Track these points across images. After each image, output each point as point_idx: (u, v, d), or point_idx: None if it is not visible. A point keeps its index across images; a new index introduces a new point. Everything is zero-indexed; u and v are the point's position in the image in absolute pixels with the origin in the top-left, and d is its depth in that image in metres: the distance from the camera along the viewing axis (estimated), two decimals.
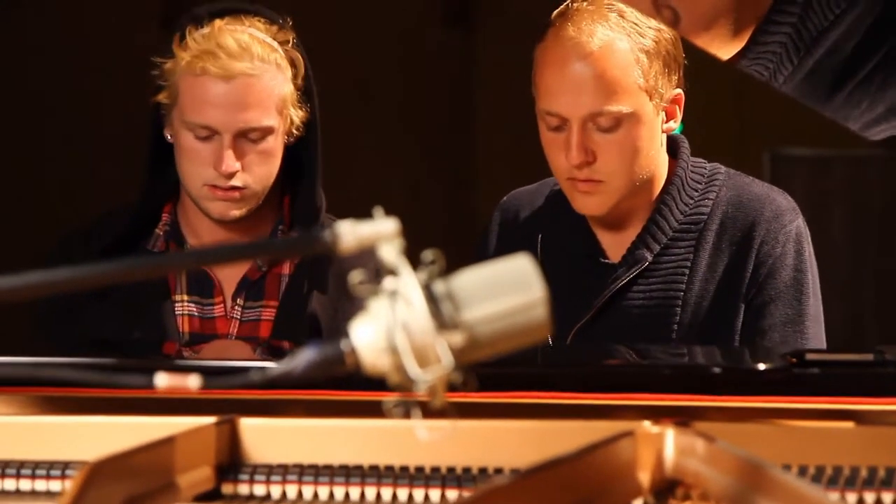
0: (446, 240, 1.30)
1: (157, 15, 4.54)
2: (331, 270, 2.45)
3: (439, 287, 1.23)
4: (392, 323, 1.22)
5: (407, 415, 1.26)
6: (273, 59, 2.37)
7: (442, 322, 1.22)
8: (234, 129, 2.35)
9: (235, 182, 2.37)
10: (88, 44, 4.62)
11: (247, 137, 2.37)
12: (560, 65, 2.28)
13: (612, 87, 2.26)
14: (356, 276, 1.23)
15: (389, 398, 1.26)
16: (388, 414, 1.25)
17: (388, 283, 1.23)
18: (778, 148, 5.22)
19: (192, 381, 1.24)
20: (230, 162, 2.35)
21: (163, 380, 1.23)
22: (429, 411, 1.26)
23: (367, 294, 1.23)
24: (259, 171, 2.38)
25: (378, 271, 2.52)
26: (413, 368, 1.21)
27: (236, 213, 2.39)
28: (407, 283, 1.22)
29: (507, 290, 1.23)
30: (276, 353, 2.22)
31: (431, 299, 1.22)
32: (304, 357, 1.24)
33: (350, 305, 2.46)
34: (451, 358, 1.21)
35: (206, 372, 1.30)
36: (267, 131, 2.37)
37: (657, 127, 2.32)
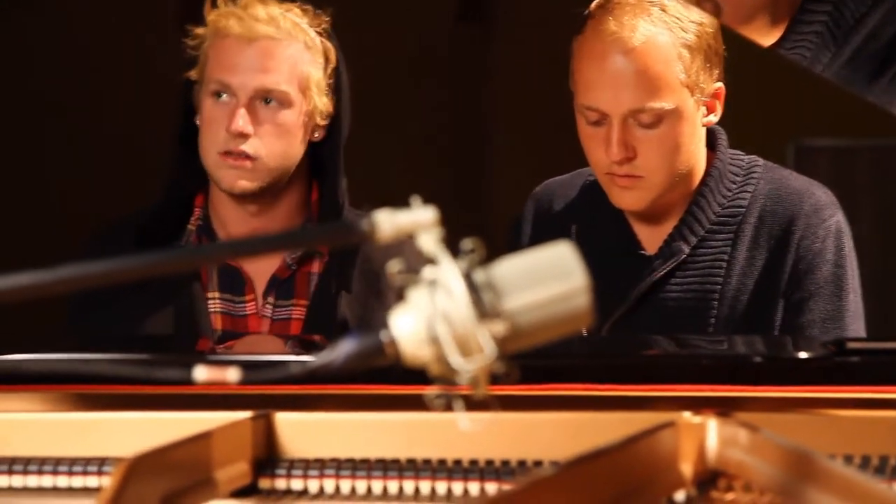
0: (464, 234, 1.28)
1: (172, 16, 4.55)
2: (359, 268, 2.44)
3: (480, 276, 1.21)
4: (433, 313, 1.20)
5: (448, 406, 1.24)
6: (301, 37, 2.37)
7: (483, 311, 1.20)
8: (250, 88, 2.34)
9: (246, 148, 2.35)
10: (91, 44, 4.62)
11: (263, 103, 2.35)
12: (600, 59, 2.25)
13: (655, 83, 2.23)
14: (395, 266, 1.22)
15: (427, 390, 1.25)
16: (429, 406, 1.23)
17: (427, 272, 1.21)
18: (802, 139, 5.18)
19: (231, 374, 1.23)
20: (241, 121, 2.33)
21: (202, 373, 1.22)
22: (469, 403, 1.25)
23: (407, 284, 1.22)
24: (273, 144, 2.36)
25: (410, 265, 2.52)
26: (455, 358, 1.19)
27: (246, 184, 2.36)
28: (447, 272, 1.20)
29: (548, 279, 1.21)
30: (307, 348, 2.21)
31: (472, 288, 1.20)
32: (343, 348, 1.22)
33: (379, 303, 2.45)
34: (493, 347, 1.19)
35: (242, 367, 1.29)
36: (284, 99, 2.36)
37: (698, 121, 2.29)
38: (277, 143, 2.36)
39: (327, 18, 2.41)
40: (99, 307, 2.41)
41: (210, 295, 2.43)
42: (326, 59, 2.39)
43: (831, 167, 5.29)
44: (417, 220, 1.22)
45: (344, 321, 2.41)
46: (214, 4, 2.38)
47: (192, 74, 2.42)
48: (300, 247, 2.03)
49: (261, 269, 2.45)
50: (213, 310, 2.43)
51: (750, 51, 2.48)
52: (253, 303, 2.44)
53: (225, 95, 2.36)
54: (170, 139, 2.51)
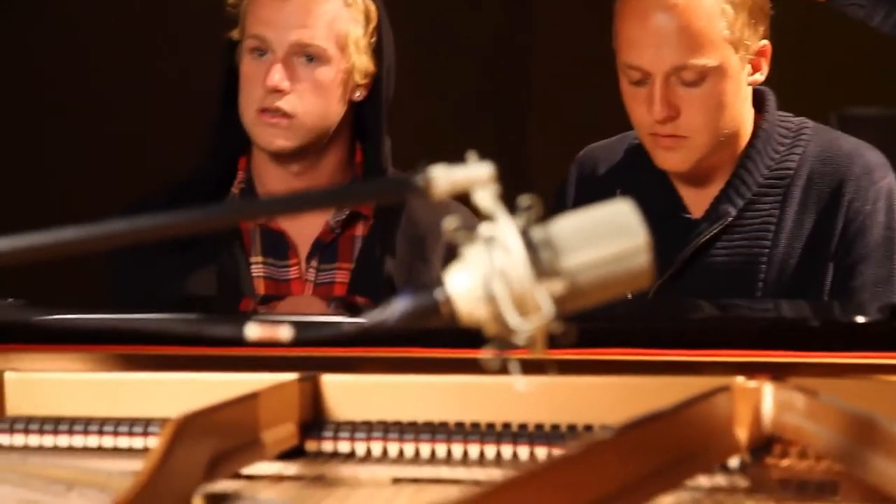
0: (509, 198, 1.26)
1: None
2: (404, 232, 2.41)
3: (537, 233, 1.19)
4: (490, 270, 1.17)
5: (503, 367, 1.22)
6: None
7: (541, 269, 1.17)
8: (287, 43, 2.32)
9: (283, 105, 2.33)
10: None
11: (301, 58, 2.33)
12: (642, 17, 2.22)
13: (697, 40, 2.20)
14: (451, 223, 1.19)
15: (478, 353, 1.22)
16: (484, 367, 1.21)
17: (484, 229, 1.19)
18: (845, 108, 5.12)
19: (284, 332, 1.20)
20: (277, 76, 2.31)
21: (254, 330, 1.20)
22: (524, 365, 1.22)
23: (463, 240, 1.19)
24: (310, 100, 2.34)
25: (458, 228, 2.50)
26: (513, 317, 1.16)
27: (283, 142, 2.34)
28: (504, 229, 1.18)
29: (608, 236, 1.19)
30: (350, 310, 2.19)
31: (530, 246, 1.18)
32: (397, 307, 1.20)
33: (425, 267, 2.43)
34: (551, 306, 1.17)
35: (294, 326, 1.26)
36: (321, 55, 2.33)
37: (743, 80, 2.26)
38: (315, 101, 2.34)
39: None
40: (142, 269, 2.39)
41: (253, 259, 2.42)
42: (367, 18, 2.37)
43: (875, 136, 5.23)
44: (473, 175, 1.19)
45: (389, 285, 2.39)
46: None
47: (234, 34, 2.40)
48: (353, 203, 2.00)
49: (304, 233, 2.43)
50: (256, 274, 2.41)
51: (792, 16, 2.45)
52: (297, 267, 2.42)
53: (263, 52, 2.34)
54: (214, 101, 2.48)
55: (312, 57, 2.33)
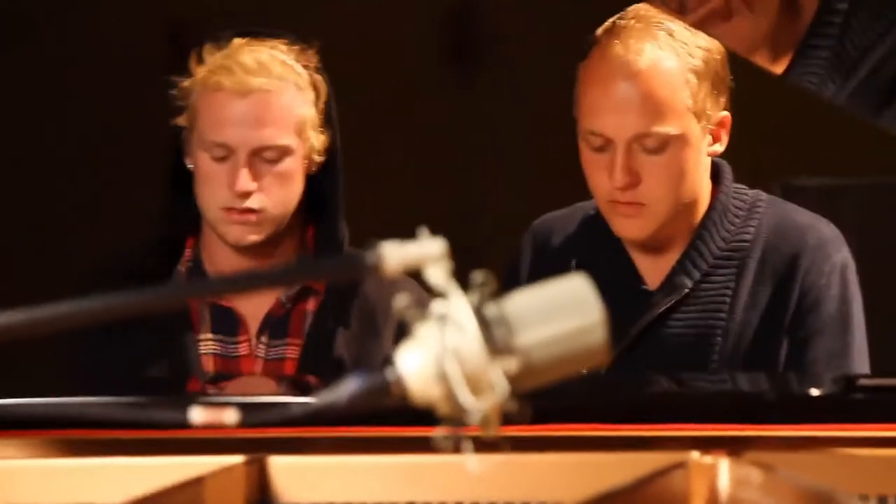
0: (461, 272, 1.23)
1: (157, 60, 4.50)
2: (357, 307, 2.38)
3: (491, 310, 1.16)
4: (442, 349, 1.14)
5: (457, 447, 1.19)
6: (292, 79, 2.31)
7: (495, 347, 1.15)
8: (250, 146, 2.29)
9: (251, 204, 2.30)
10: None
11: (263, 157, 2.30)
12: (606, 83, 2.21)
13: (661, 108, 2.19)
14: (402, 300, 1.16)
15: (429, 432, 1.19)
16: (436, 447, 1.18)
17: (436, 306, 1.16)
18: (789, 178, 5.16)
19: (229, 416, 1.17)
20: (244, 181, 2.28)
21: (198, 415, 1.16)
22: (477, 444, 1.19)
23: (414, 319, 1.16)
24: (277, 193, 2.31)
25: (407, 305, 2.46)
26: (465, 397, 1.14)
27: (254, 237, 2.31)
28: (457, 307, 1.15)
29: (563, 313, 1.16)
30: (301, 389, 2.15)
31: (483, 323, 1.15)
32: (348, 387, 1.17)
33: (377, 343, 2.39)
34: (505, 385, 1.14)
35: (240, 408, 1.23)
36: (284, 151, 2.31)
37: (703, 150, 2.25)
38: (281, 192, 2.32)
39: (315, 55, 2.35)
40: (88, 352, 2.34)
41: (202, 336, 2.37)
42: (317, 94, 2.34)
43: (818, 207, 5.27)
44: (425, 252, 1.16)
45: (340, 361, 2.35)
46: (200, 57, 2.31)
47: (181, 121, 2.35)
48: (303, 280, 1.97)
49: (254, 309, 2.39)
50: (204, 351, 2.37)
51: (738, 87, 2.46)
52: (246, 343, 2.38)
53: (222, 152, 2.30)
54: (158, 183, 2.44)
55: (275, 155, 2.30)
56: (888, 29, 1.87)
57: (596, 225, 2.34)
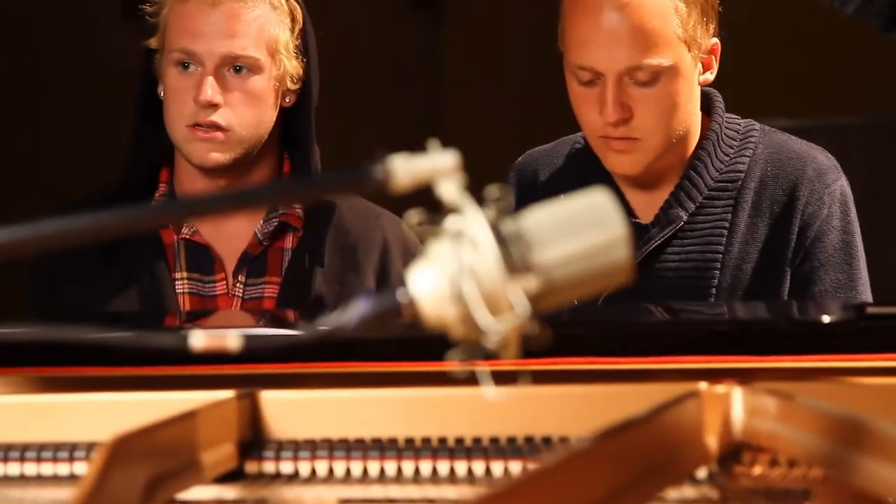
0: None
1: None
2: (334, 242, 2.31)
3: (508, 226, 1.09)
4: (457, 268, 1.08)
5: (464, 376, 1.12)
6: None
7: (513, 265, 1.08)
8: (217, 55, 2.21)
9: (217, 118, 2.21)
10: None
11: (232, 70, 2.22)
12: (594, 15, 2.12)
13: (651, 39, 2.11)
14: (413, 217, 1.09)
15: (448, 355, 1.12)
16: (452, 374, 1.11)
17: (450, 223, 1.09)
18: (760, 119, 5.12)
19: (232, 341, 1.10)
20: (209, 90, 2.20)
21: (199, 339, 1.09)
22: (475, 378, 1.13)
23: (427, 236, 1.09)
24: (244, 113, 2.23)
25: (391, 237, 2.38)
26: (484, 318, 1.07)
27: (218, 156, 2.23)
28: (472, 223, 1.08)
29: (583, 228, 1.10)
30: (280, 324, 2.08)
31: (500, 240, 1.08)
32: (356, 310, 1.10)
33: (356, 279, 2.33)
34: (525, 305, 1.07)
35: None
36: (253, 65, 2.23)
37: (695, 79, 2.18)
38: (249, 112, 2.23)
39: None
40: (62, 286, 2.27)
41: (178, 275, 2.30)
42: (293, 20, 2.26)
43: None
44: (437, 165, 1.09)
45: (319, 299, 2.28)
46: None
47: (152, 42, 2.28)
48: (306, 196, 1.88)
49: (230, 247, 2.32)
50: (180, 290, 2.30)
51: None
52: (223, 282, 2.31)
53: (190, 65, 2.22)
54: (131, 112, 2.36)
55: (244, 67, 2.22)
56: None
57: (583, 158, 2.28)
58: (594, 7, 2.12)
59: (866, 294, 2.19)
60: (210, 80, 2.20)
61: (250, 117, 2.23)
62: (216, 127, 2.21)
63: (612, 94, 2.12)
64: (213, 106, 2.21)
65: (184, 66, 2.23)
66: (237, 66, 2.22)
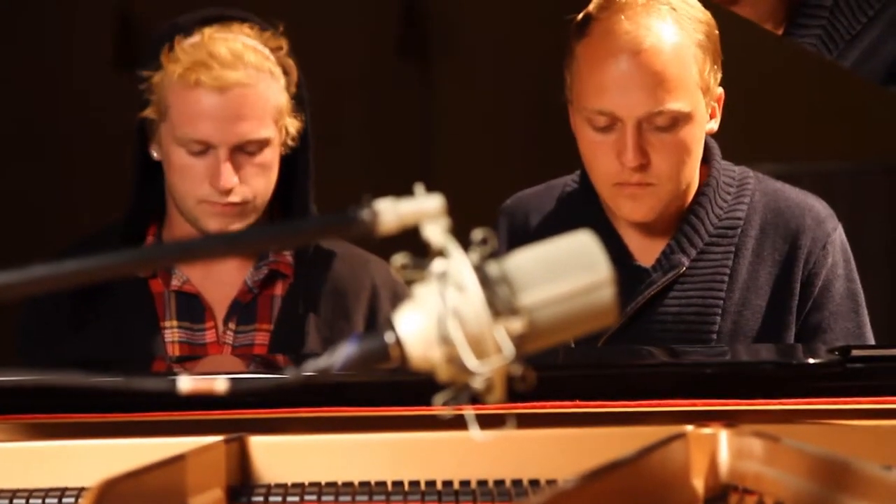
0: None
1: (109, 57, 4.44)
2: (327, 289, 2.32)
3: (493, 269, 1.11)
4: (443, 310, 1.09)
5: (450, 420, 1.13)
6: (267, 68, 2.24)
7: (498, 308, 1.09)
8: (231, 142, 2.22)
9: (234, 198, 2.23)
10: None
11: (244, 150, 2.24)
12: (613, 60, 2.10)
13: (672, 84, 2.10)
14: (399, 260, 1.11)
15: (435, 398, 1.13)
16: (438, 414, 1.12)
17: (436, 265, 1.10)
18: (749, 164, 5.15)
19: (220, 384, 1.11)
20: (228, 177, 2.21)
21: (187, 382, 1.10)
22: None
23: (413, 278, 1.11)
24: (258, 184, 2.25)
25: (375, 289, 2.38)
26: (469, 359, 1.08)
27: (238, 226, 2.25)
28: (458, 266, 1.09)
29: (568, 271, 1.11)
30: (270, 368, 2.09)
31: (486, 282, 1.10)
32: (343, 352, 1.11)
33: (347, 325, 2.33)
34: (510, 347, 1.08)
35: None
36: (264, 143, 2.24)
37: (705, 127, 2.18)
38: (261, 181, 2.25)
39: (283, 39, 2.28)
40: (52, 343, 2.27)
41: (167, 324, 2.30)
42: (288, 77, 2.28)
43: None
44: (423, 208, 1.11)
45: (310, 344, 2.28)
46: (172, 48, 2.24)
47: (149, 114, 2.27)
48: (294, 241, 1.88)
49: (220, 295, 2.32)
50: (169, 339, 2.30)
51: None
52: (213, 330, 2.31)
53: (201, 147, 2.23)
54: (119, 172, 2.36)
55: (256, 148, 2.24)
56: (878, 13, 1.85)
57: (574, 202, 2.27)
58: (614, 52, 2.11)
59: (871, 339, 2.20)
60: (228, 166, 2.21)
61: (263, 186, 2.25)
62: (233, 203, 2.23)
63: (632, 140, 2.10)
64: (231, 190, 2.22)
65: (194, 150, 2.23)
66: (249, 149, 2.23)
